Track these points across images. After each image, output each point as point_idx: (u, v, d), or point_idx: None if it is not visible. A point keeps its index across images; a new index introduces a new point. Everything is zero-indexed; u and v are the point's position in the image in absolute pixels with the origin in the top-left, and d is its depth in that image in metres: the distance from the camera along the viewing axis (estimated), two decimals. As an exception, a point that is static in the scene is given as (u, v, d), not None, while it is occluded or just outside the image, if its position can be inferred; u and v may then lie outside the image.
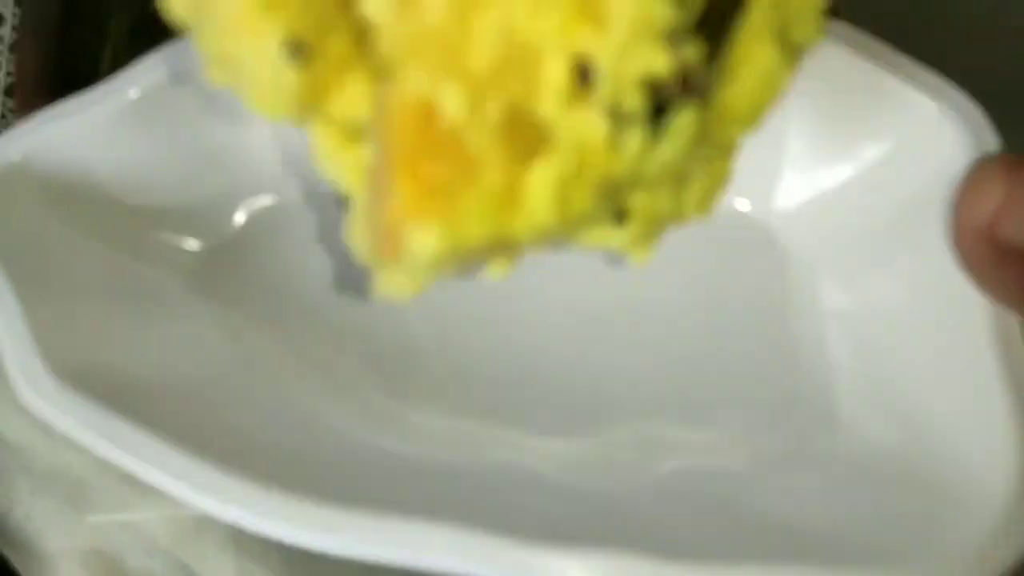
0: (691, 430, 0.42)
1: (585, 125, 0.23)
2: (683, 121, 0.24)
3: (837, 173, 0.44)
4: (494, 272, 0.30)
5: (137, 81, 0.40)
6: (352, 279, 0.41)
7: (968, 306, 0.38)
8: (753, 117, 0.30)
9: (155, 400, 0.35)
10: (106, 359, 0.36)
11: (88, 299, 0.38)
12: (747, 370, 0.43)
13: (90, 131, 0.40)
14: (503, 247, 0.25)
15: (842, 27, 0.42)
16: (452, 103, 0.23)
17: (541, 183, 0.24)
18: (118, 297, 0.39)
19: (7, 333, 0.34)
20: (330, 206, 0.43)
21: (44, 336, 0.35)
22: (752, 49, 0.28)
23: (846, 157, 0.43)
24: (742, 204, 0.45)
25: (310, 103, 0.27)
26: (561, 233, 0.26)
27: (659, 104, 0.24)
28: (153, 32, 0.54)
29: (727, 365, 0.43)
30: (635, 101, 0.23)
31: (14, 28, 0.52)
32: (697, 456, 0.41)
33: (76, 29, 0.50)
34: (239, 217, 0.42)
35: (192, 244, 0.42)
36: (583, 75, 0.23)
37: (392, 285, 0.27)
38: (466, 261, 0.25)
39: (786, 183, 0.45)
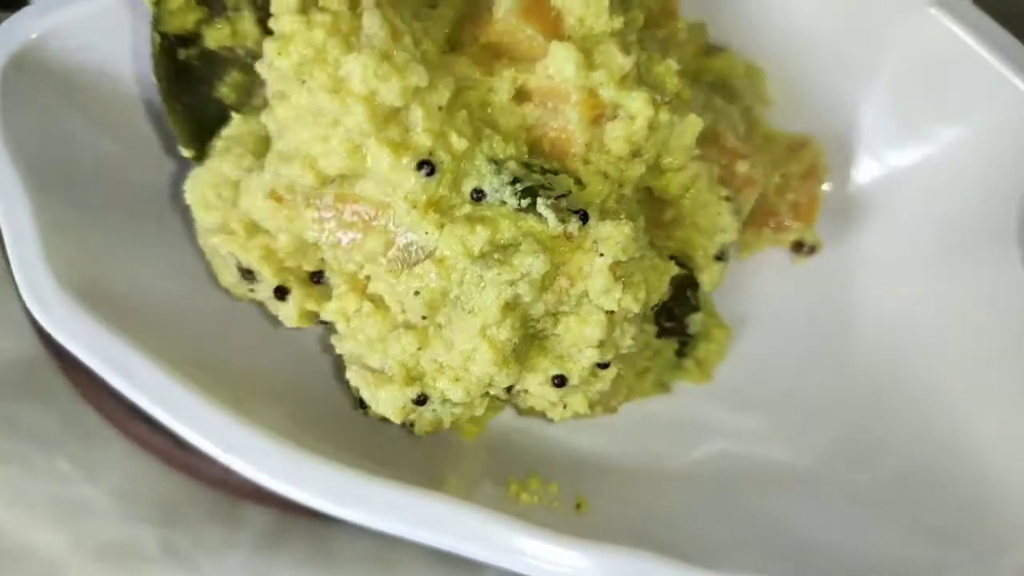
0: (736, 414, 0.40)
1: None
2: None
3: (918, 151, 0.40)
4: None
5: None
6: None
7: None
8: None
9: (158, 325, 0.32)
10: (110, 275, 0.33)
11: (96, 206, 0.35)
12: (798, 365, 0.40)
13: (105, 15, 0.36)
14: None
15: (964, 4, 0.37)
16: None
17: None
18: (121, 205, 0.36)
19: (15, 242, 0.31)
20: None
21: (54, 247, 0.31)
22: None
23: (928, 135, 0.39)
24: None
25: None
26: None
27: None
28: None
29: (781, 358, 0.40)
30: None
31: None
32: (736, 442, 0.39)
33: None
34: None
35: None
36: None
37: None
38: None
39: (864, 158, 0.41)
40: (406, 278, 0.30)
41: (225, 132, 0.34)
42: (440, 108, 0.29)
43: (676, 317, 0.38)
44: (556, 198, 0.29)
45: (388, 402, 0.31)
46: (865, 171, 0.42)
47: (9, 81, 0.34)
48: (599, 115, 0.31)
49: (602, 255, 0.29)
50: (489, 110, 0.31)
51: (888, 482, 0.36)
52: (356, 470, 0.29)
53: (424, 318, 0.30)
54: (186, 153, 0.35)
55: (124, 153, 0.37)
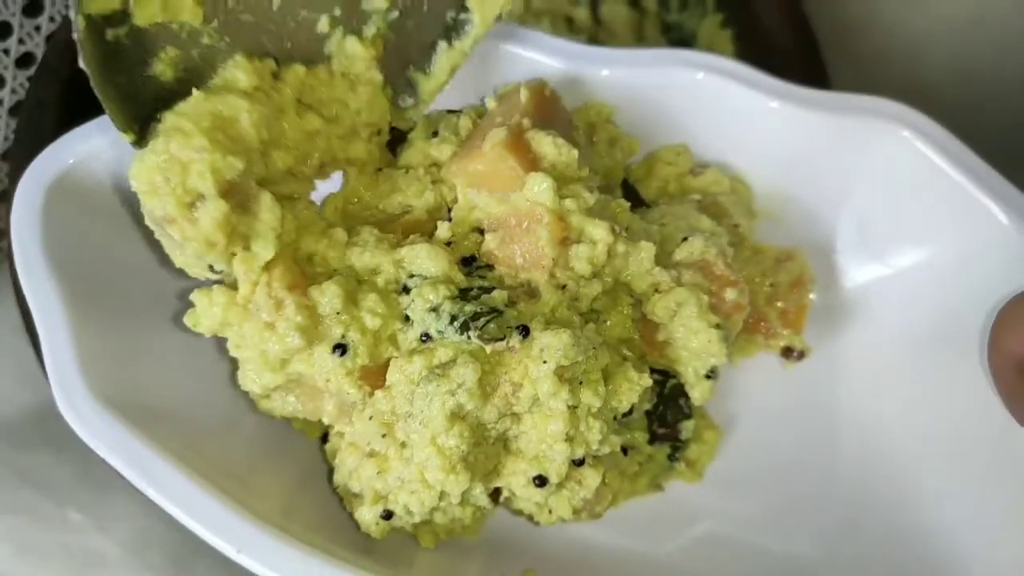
0: (725, 505, 0.42)
1: None
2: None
3: (896, 264, 0.42)
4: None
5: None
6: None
7: (1009, 439, 0.37)
8: None
9: (186, 434, 0.36)
10: (140, 380, 0.36)
11: (129, 312, 0.38)
12: (785, 461, 0.42)
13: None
14: None
15: (923, 120, 0.40)
16: None
17: None
18: (153, 309, 0.39)
19: (51, 349, 0.34)
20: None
21: (86, 354, 0.35)
22: None
23: (904, 252, 0.41)
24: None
25: None
26: None
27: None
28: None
29: (769, 454, 0.43)
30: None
31: (12, 91, 0.51)
32: (725, 530, 0.41)
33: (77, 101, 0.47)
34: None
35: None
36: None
37: None
38: None
39: (847, 270, 0.43)
40: (358, 418, 0.35)
41: (181, 107, 0.33)
42: (339, 310, 0.34)
43: (669, 424, 0.40)
44: (486, 323, 0.34)
45: (364, 521, 0.36)
46: (848, 281, 0.44)
47: (51, 203, 0.37)
48: (566, 237, 0.36)
49: (545, 362, 0.33)
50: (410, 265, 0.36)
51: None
52: (365, 572, 0.33)
53: (383, 436, 0.35)
54: (126, 138, 0.34)
55: (157, 259, 0.40)
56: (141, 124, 0.34)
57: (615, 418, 0.37)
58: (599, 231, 0.36)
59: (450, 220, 0.38)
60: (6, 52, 0.50)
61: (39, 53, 0.51)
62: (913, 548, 0.39)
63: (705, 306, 0.37)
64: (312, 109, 0.37)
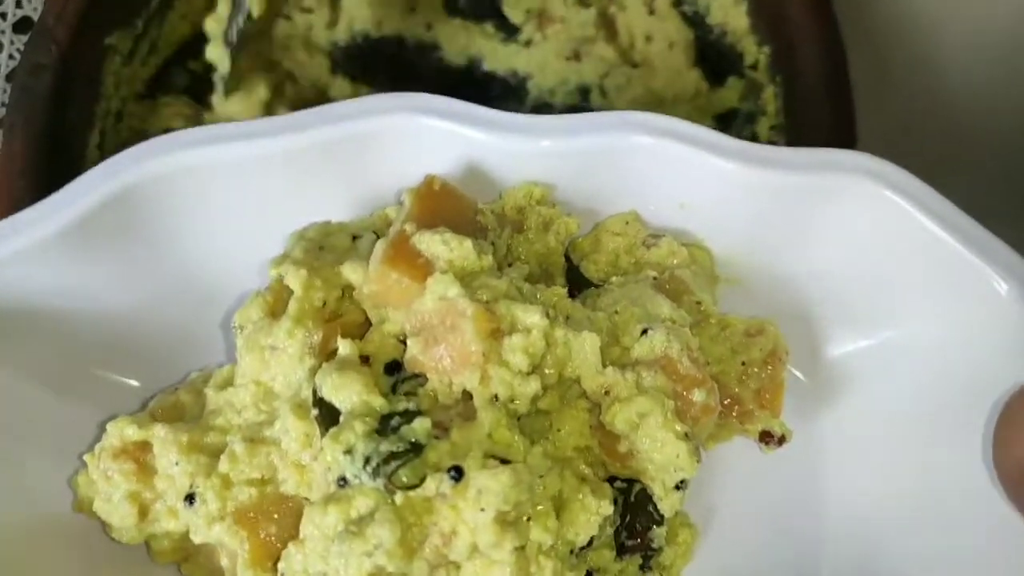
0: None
1: None
2: None
3: (882, 336, 0.38)
4: None
5: (79, 200, 0.34)
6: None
7: (1011, 531, 0.32)
8: None
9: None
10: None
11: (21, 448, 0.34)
12: (768, 559, 0.38)
13: (27, 256, 0.34)
14: None
15: (900, 174, 0.36)
16: None
17: None
18: (48, 447, 0.35)
19: None
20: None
21: None
22: None
23: (897, 320, 0.37)
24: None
25: None
26: None
27: None
28: (140, 116, 0.51)
29: (750, 549, 0.38)
30: None
31: (10, 56, 0.51)
32: None
33: (64, 113, 0.46)
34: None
35: (134, 382, 0.37)
36: None
37: None
38: None
39: (815, 343, 0.40)
40: None
41: None
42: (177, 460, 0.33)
43: (638, 533, 0.35)
44: (396, 469, 0.29)
45: None
46: (827, 353, 0.39)
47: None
48: (496, 329, 0.32)
49: (483, 509, 0.29)
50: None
51: None
52: None
53: None
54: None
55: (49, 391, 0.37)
56: None
57: (572, 552, 0.32)
58: (532, 316, 0.32)
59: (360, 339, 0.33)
60: (3, 16, 0.50)
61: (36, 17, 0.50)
62: None
63: (671, 414, 0.32)
64: None
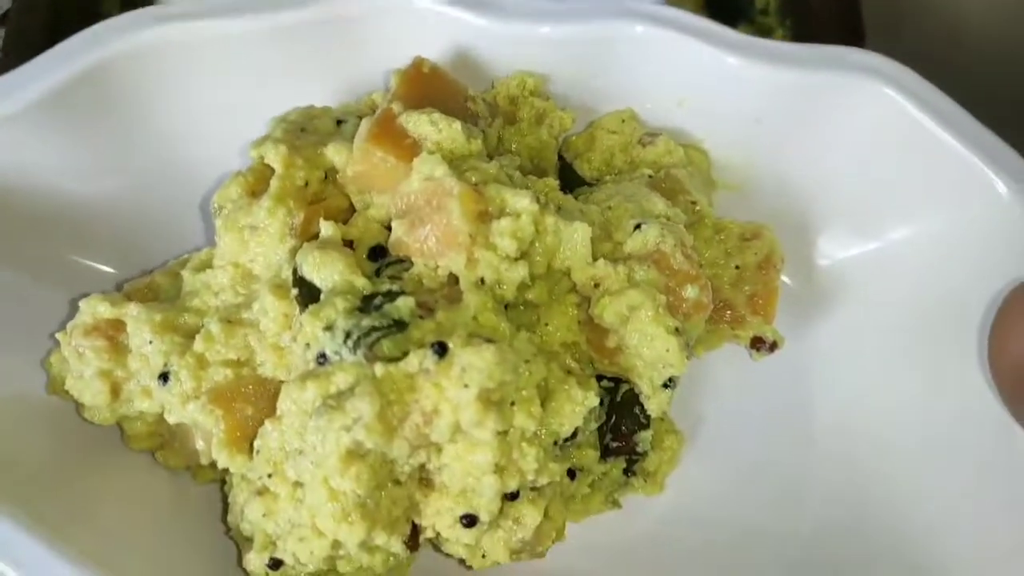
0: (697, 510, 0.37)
1: None
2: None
3: (878, 240, 0.37)
4: None
5: (56, 70, 0.33)
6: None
7: (1005, 436, 0.32)
8: None
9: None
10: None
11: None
12: (756, 465, 0.37)
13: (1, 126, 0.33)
14: None
15: (907, 74, 0.35)
16: None
17: None
18: (22, 330, 0.34)
19: None
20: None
21: None
22: None
23: (895, 225, 0.36)
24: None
25: None
26: None
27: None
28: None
29: (741, 456, 0.38)
30: None
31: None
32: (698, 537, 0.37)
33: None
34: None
35: (110, 268, 0.36)
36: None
37: None
38: None
39: (822, 247, 0.38)
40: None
41: None
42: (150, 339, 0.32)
43: (624, 436, 0.35)
44: (377, 341, 0.28)
45: (250, 570, 0.31)
46: (823, 259, 0.38)
47: None
48: (484, 212, 0.31)
49: (467, 386, 0.28)
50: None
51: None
52: None
53: (270, 475, 0.30)
54: None
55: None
56: None
57: (556, 443, 0.31)
58: (521, 200, 0.31)
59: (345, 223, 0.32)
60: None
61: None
62: (893, 550, 0.35)
63: (662, 309, 0.31)
64: None
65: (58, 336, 0.33)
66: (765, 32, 0.51)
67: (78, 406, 0.33)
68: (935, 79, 0.35)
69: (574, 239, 0.32)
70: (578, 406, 0.31)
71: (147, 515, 0.33)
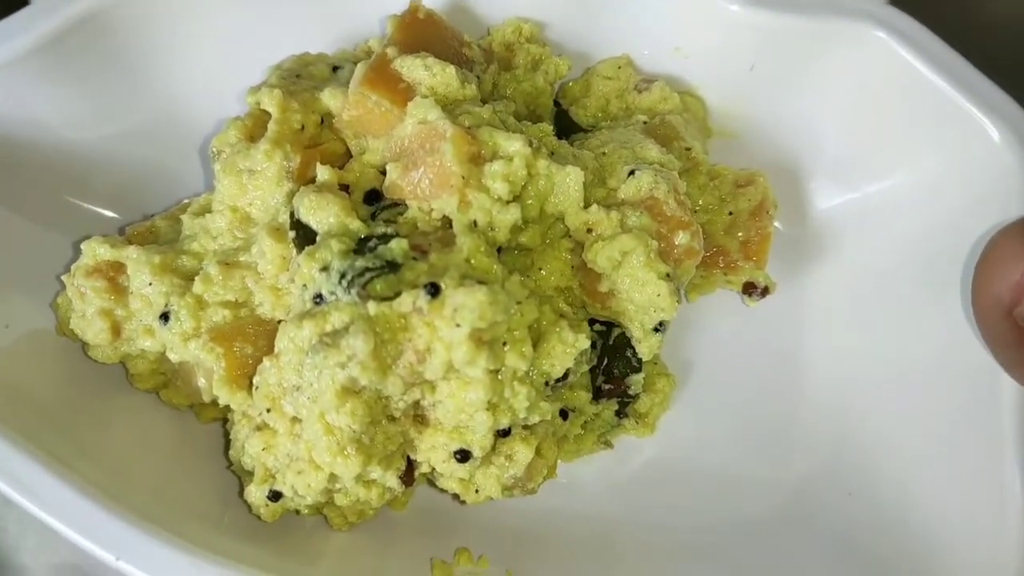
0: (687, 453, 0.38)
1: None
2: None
3: (870, 186, 0.37)
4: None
5: (53, 14, 0.33)
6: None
7: (986, 381, 0.32)
8: None
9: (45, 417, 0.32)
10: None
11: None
12: (746, 410, 0.38)
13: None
14: None
15: (903, 20, 0.34)
16: None
17: None
18: (29, 273, 0.35)
19: None
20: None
21: None
22: None
23: (889, 171, 0.36)
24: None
25: None
26: None
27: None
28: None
29: (731, 401, 0.38)
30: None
31: None
32: (686, 481, 0.38)
33: None
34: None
35: (112, 213, 0.37)
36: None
37: None
38: None
39: (804, 196, 0.39)
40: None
41: None
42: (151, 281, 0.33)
43: (615, 378, 0.36)
44: (371, 280, 0.29)
45: (251, 502, 0.33)
46: (816, 207, 0.39)
47: None
48: (476, 153, 0.31)
49: (459, 325, 0.28)
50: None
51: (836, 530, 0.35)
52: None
53: (268, 411, 0.31)
54: None
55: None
56: None
57: (547, 384, 0.32)
58: (514, 144, 0.31)
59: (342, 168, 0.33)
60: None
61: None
62: (878, 498, 0.35)
63: (653, 254, 0.32)
64: None
65: (63, 278, 0.34)
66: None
67: (84, 346, 0.34)
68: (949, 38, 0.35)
69: (567, 183, 0.32)
70: (569, 348, 0.31)
71: (152, 450, 0.34)
